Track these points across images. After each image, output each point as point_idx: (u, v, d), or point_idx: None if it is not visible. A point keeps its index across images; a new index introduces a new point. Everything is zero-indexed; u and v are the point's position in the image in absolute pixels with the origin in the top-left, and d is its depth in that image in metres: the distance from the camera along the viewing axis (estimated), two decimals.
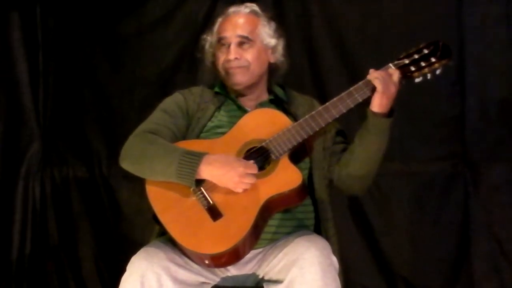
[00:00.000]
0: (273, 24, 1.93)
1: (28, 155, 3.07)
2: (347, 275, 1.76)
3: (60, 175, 3.05)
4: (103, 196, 2.98)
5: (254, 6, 1.92)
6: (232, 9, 1.92)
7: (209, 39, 1.95)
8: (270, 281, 1.62)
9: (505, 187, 2.62)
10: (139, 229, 2.74)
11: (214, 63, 1.94)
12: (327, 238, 1.75)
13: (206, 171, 1.64)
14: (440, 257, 2.69)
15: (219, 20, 1.93)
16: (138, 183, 1.75)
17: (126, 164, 1.75)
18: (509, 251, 2.61)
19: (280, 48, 1.93)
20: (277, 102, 1.92)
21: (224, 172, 1.63)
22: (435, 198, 2.70)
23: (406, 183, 2.73)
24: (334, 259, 1.61)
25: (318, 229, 1.81)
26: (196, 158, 1.65)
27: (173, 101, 1.90)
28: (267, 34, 1.89)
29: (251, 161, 1.67)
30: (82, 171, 3.02)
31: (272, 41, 1.90)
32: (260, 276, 1.68)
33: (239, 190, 1.65)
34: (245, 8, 1.91)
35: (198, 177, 1.65)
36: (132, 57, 2.96)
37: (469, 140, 2.65)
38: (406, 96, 2.55)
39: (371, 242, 2.75)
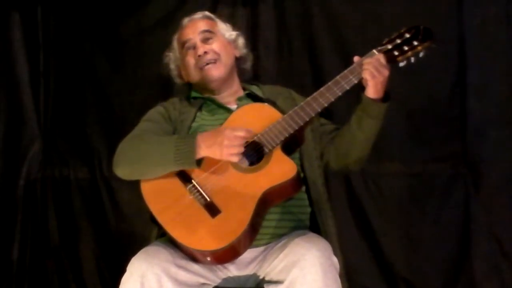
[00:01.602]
0: (228, 24, 2.04)
1: (29, 155, 3.07)
2: (347, 275, 1.77)
3: (61, 176, 3.05)
4: (103, 197, 2.98)
5: (206, 13, 2.03)
6: (186, 19, 2.02)
7: (171, 56, 2.03)
8: (271, 282, 1.62)
9: (506, 187, 2.62)
10: (140, 229, 2.74)
11: (181, 76, 2.03)
12: (327, 236, 1.76)
13: (202, 146, 1.66)
14: (440, 257, 2.68)
15: (176, 36, 2.03)
16: (139, 184, 1.75)
17: (122, 167, 1.76)
18: (510, 252, 2.60)
19: (241, 41, 2.03)
20: (254, 97, 1.95)
21: (215, 140, 1.65)
22: (436, 198, 2.70)
23: (406, 184, 2.73)
24: (335, 260, 1.62)
25: (315, 221, 1.82)
26: (191, 137, 1.68)
27: (155, 111, 1.96)
28: (225, 30, 2.01)
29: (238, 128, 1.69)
30: (82, 171, 3.03)
31: (233, 34, 2.01)
32: (261, 277, 1.68)
33: (234, 158, 1.64)
34: (199, 15, 2.01)
35: (197, 156, 1.66)
36: (132, 57, 2.97)
37: (470, 140, 2.65)
38: (407, 96, 2.59)
39: (371, 242, 2.75)
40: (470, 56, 2.64)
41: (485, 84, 2.65)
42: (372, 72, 1.70)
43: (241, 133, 1.66)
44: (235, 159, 1.65)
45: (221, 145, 1.63)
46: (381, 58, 1.72)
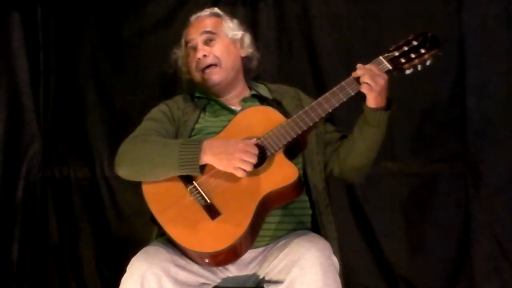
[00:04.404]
0: (235, 21, 2.00)
1: (29, 155, 3.06)
2: (347, 275, 1.77)
3: (61, 176, 3.05)
4: (104, 197, 2.98)
5: (215, 9, 2.01)
6: (193, 16, 2.00)
7: (178, 53, 2.01)
8: (270, 282, 1.62)
9: (506, 187, 2.62)
10: (140, 229, 2.74)
11: (187, 74, 2.00)
12: (326, 236, 1.76)
13: (208, 153, 1.64)
14: (440, 257, 2.69)
15: (184, 32, 2.00)
16: (139, 184, 1.75)
17: (124, 168, 1.75)
18: (510, 251, 2.60)
19: (247, 40, 2.00)
20: (260, 97, 1.94)
21: (225, 149, 1.64)
22: (436, 198, 2.70)
23: (406, 184, 2.73)
24: (335, 260, 1.62)
25: (316, 224, 1.82)
26: (196, 143, 1.67)
27: (158, 110, 1.94)
28: (231, 28, 1.97)
29: (252, 140, 1.68)
30: (83, 171, 3.02)
31: (238, 34, 1.97)
32: (261, 277, 1.68)
33: (240, 172, 1.63)
34: (205, 12, 1.98)
35: (201, 162, 1.65)
36: (133, 57, 2.96)
37: (470, 140, 2.66)
38: (407, 97, 2.59)
39: (372, 242, 2.76)
40: (470, 56, 2.65)
41: (485, 84, 2.65)
42: (368, 86, 1.67)
43: (255, 151, 1.65)
44: (241, 174, 1.64)
45: (231, 154, 1.62)
46: (373, 67, 1.70)
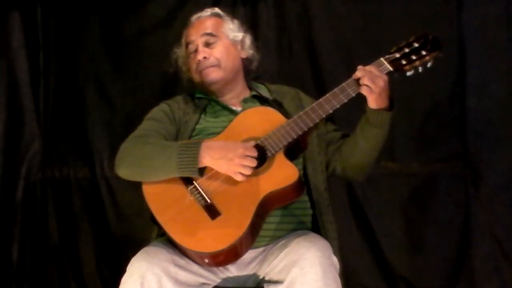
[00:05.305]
0: (236, 22, 2.00)
1: (29, 155, 3.06)
2: (347, 275, 1.77)
3: (61, 176, 3.05)
4: (104, 197, 2.98)
5: (216, 9, 2.00)
6: (194, 16, 1.99)
7: (178, 52, 2.01)
8: (270, 282, 1.62)
9: (506, 187, 2.62)
10: (140, 229, 2.74)
11: (188, 73, 2.00)
12: (326, 237, 1.76)
13: (207, 157, 1.65)
14: (440, 257, 2.69)
15: (184, 32, 2.00)
16: (139, 184, 1.75)
17: (123, 168, 1.75)
18: (510, 252, 2.60)
19: (248, 42, 1.99)
20: (260, 97, 1.94)
21: (224, 154, 1.64)
22: (436, 198, 2.70)
23: (406, 184, 2.73)
24: (335, 260, 1.62)
25: (317, 225, 1.82)
26: (195, 145, 1.67)
27: (159, 110, 1.94)
28: (231, 30, 1.96)
29: (250, 143, 1.68)
30: (83, 171, 3.02)
31: (239, 35, 1.97)
32: (261, 277, 1.68)
33: (239, 177, 1.64)
34: (206, 12, 1.98)
35: (200, 165, 1.65)
36: (133, 57, 2.96)
37: (470, 140, 2.65)
38: (407, 97, 2.59)
39: (372, 242, 2.75)
40: (470, 56, 2.64)
41: (484, 84, 2.65)
42: (368, 88, 1.67)
43: (254, 154, 1.65)
44: (240, 178, 1.64)
45: (230, 160, 1.63)
46: (373, 69, 1.69)
